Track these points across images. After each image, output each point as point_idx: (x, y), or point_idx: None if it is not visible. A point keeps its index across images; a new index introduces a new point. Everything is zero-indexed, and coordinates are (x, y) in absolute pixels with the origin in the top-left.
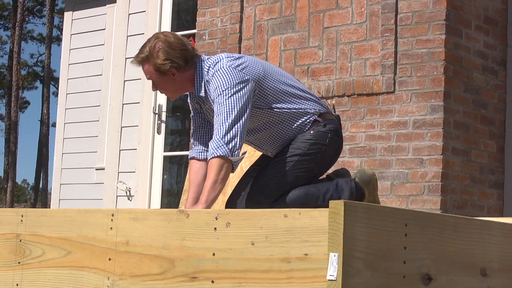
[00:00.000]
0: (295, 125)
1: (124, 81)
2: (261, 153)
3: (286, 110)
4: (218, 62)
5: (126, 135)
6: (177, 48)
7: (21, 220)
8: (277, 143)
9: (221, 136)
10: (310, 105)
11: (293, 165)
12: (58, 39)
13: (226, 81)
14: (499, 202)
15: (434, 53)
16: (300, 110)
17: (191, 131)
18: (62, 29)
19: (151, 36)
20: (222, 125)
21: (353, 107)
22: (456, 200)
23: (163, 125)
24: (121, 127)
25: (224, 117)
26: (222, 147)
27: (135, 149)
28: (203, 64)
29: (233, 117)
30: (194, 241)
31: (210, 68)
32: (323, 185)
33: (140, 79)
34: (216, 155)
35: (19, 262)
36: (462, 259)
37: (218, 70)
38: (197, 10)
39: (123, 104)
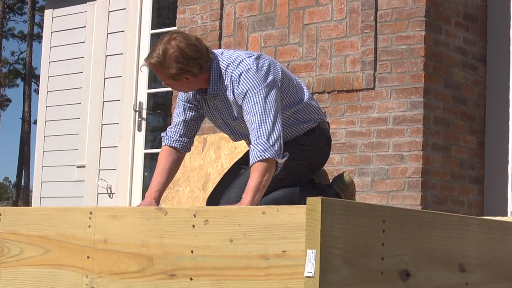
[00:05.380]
0: (296, 128)
1: (105, 78)
2: (244, 151)
3: (295, 114)
4: (241, 61)
5: (106, 132)
6: (190, 57)
7: None
8: None
9: (266, 138)
10: (314, 112)
11: (281, 168)
12: (39, 37)
13: (258, 82)
14: (479, 197)
15: (414, 49)
16: (306, 115)
17: (173, 122)
18: (43, 27)
19: (164, 36)
20: (262, 126)
21: (333, 104)
22: (437, 195)
23: (143, 123)
24: (102, 125)
25: (262, 118)
26: (269, 149)
27: (116, 146)
28: (219, 63)
29: (272, 118)
30: (172, 239)
31: (230, 66)
32: (307, 189)
33: (120, 76)
34: (264, 157)
35: None
36: (441, 255)
37: (247, 71)
38: (177, 8)
39: (103, 102)
